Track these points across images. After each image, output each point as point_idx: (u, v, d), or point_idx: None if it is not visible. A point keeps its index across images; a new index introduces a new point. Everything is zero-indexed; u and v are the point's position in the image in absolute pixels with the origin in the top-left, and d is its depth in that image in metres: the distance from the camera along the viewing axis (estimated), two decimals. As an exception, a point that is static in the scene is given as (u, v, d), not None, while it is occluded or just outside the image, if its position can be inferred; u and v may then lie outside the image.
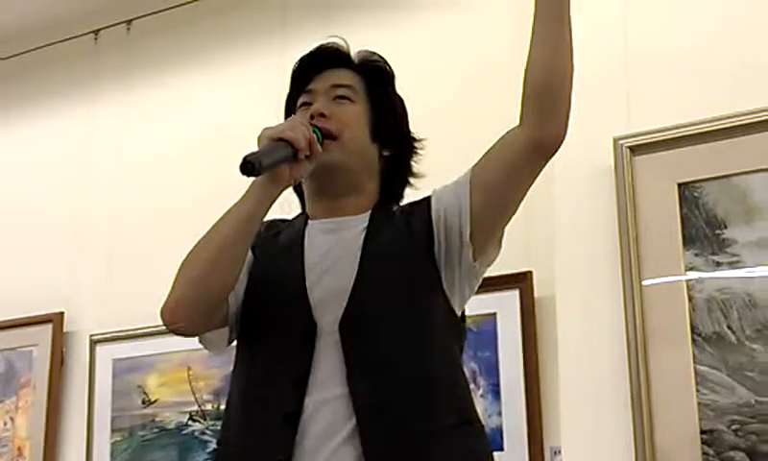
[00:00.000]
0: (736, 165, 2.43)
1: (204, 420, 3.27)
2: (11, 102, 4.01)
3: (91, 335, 3.51)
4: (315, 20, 3.22)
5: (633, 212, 2.50)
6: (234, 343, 1.74)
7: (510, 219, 1.71)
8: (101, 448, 3.43)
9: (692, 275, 2.43)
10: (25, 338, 3.64)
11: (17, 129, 4.00)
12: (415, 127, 1.85)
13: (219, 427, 1.77)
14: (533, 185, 1.68)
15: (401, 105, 1.85)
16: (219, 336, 1.70)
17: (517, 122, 1.65)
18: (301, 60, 1.83)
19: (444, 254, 1.68)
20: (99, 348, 3.49)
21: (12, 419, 3.62)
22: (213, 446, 3.16)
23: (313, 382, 1.59)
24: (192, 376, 3.31)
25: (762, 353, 2.32)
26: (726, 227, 2.42)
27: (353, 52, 1.84)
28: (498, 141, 1.67)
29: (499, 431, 2.71)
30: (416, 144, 1.84)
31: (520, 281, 2.76)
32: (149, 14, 3.65)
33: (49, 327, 3.59)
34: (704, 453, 2.33)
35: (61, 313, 3.59)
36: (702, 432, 2.34)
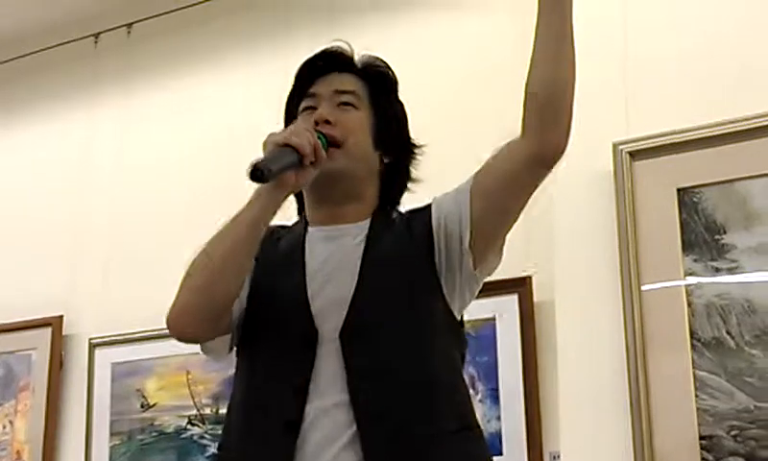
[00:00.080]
0: (736, 171, 2.43)
1: (203, 424, 3.26)
2: (10, 105, 4.01)
3: (90, 339, 3.51)
4: (319, 23, 3.22)
5: (632, 217, 2.50)
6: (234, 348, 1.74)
7: (510, 228, 1.71)
8: (100, 451, 3.43)
9: (691, 280, 2.43)
10: (24, 341, 3.64)
11: (17, 132, 3.99)
12: (417, 128, 1.85)
13: (218, 431, 1.78)
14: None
15: (403, 111, 1.85)
16: (221, 343, 1.70)
17: (518, 122, 1.64)
18: (306, 62, 1.82)
19: (445, 260, 1.68)
20: (98, 351, 3.49)
21: (10, 422, 3.62)
22: (212, 450, 3.15)
23: (314, 389, 1.60)
24: (191, 380, 3.31)
25: (761, 359, 2.32)
26: (725, 232, 2.42)
27: (357, 56, 1.83)
28: (500, 150, 1.67)
29: (498, 436, 2.70)
30: (415, 150, 1.84)
31: (520, 286, 2.76)
32: (149, 18, 3.65)
33: (48, 330, 3.58)
34: (703, 459, 2.33)
35: (61, 317, 3.59)
36: (701, 438, 2.34)
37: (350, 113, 1.76)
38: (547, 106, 1.61)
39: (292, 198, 1.74)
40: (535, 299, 2.76)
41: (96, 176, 3.72)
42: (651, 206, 2.50)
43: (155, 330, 3.23)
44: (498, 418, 2.72)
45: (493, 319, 2.77)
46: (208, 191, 3.33)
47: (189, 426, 3.29)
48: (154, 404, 3.38)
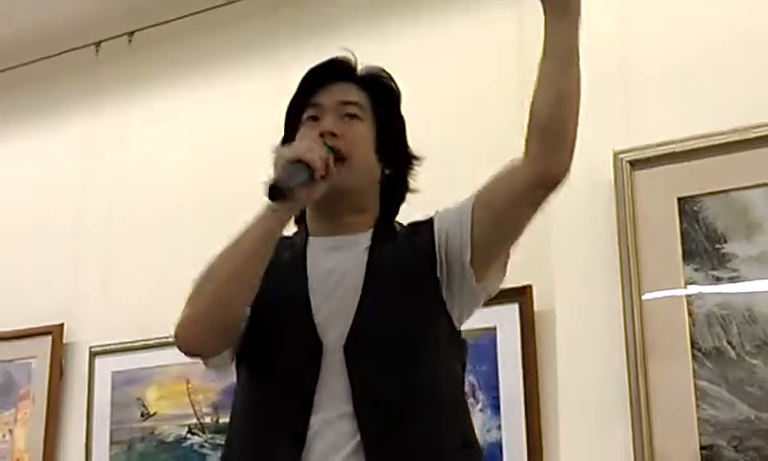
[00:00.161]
0: (737, 180, 2.43)
1: (203, 433, 3.25)
2: (10, 114, 4.01)
3: (91, 347, 3.50)
4: (318, 34, 3.22)
5: (632, 226, 2.50)
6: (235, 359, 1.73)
7: (512, 246, 1.71)
8: (100, 460, 3.42)
9: (692, 289, 2.43)
10: (24, 350, 3.63)
11: (18, 141, 3.99)
12: (420, 138, 1.85)
13: (218, 440, 1.78)
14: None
15: (403, 122, 1.85)
16: (224, 358, 1.69)
17: (522, 128, 1.64)
18: (310, 71, 1.81)
19: (447, 274, 1.68)
20: (98, 360, 3.49)
21: (10, 431, 3.61)
22: (211, 459, 3.14)
23: (319, 401, 1.60)
24: (191, 388, 3.30)
25: (762, 369, 2.32)
26: (726, 241, 2.42)
27: (361, 66, 1.83)
28: (502, 170, 1.67)
29: (499, 445, 2.70)
30: (415, 162, 1.84)
31: (520, 295, 2.75)
32: (150, 26, 3.65)
33: (48, 338, 3.58)
34: (704, 468, 2.33)
35: (61, 325, 3.58)
36: (702, 448, 2.34)
37: (355, 126, 1.76)
38: (551, 130, 1.61)
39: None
40: (535, 308, 2.75)
41: (97, 184, 3.72)
42: (651, 216, 2.50)
43: (155, 339, 3.24)
44: (499, 427, 2.71)
45: (494, 328, 2.76)
46: (209, 200, 3.33)
47: (189, 435, 3.28)
48: (154, 413, 3.38)
